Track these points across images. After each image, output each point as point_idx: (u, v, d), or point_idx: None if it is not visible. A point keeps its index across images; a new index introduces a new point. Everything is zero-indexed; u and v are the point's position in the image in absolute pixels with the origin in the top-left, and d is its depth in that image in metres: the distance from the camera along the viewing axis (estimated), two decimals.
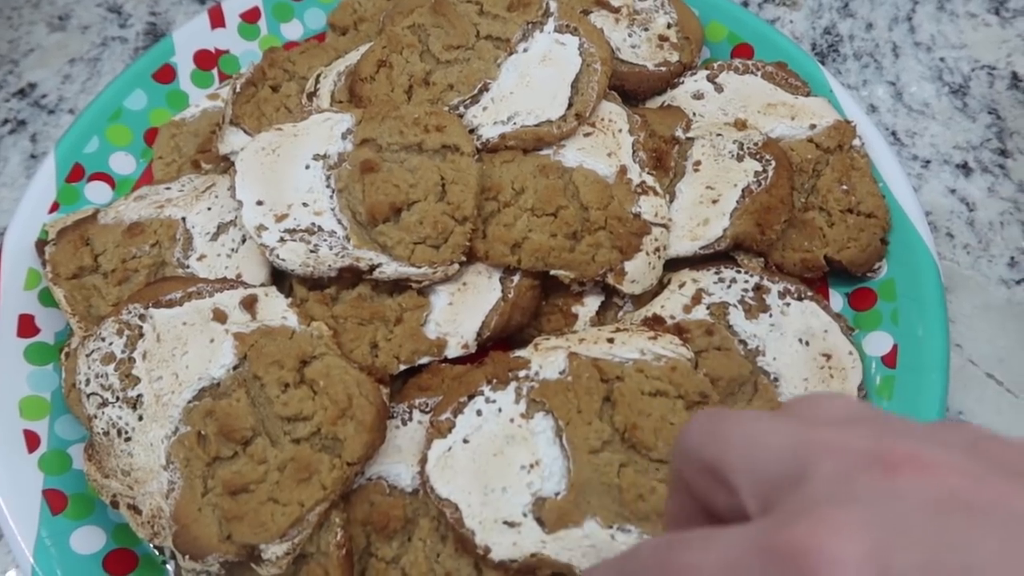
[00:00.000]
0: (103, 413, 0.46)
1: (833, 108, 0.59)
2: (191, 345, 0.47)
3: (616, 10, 0.62)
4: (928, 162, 0.62)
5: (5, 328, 0.52)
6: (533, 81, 0.56)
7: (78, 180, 0.58)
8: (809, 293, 0.53)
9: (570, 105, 0.55)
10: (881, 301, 0.54)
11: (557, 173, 0.53)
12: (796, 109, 0.58)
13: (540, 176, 0.52)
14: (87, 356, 0.48)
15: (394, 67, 0.58)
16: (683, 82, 0.61)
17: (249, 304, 0.48)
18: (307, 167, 0.53)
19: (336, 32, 0.66)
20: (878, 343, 0.52)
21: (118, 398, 0.47)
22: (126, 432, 0.46)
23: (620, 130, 0.55)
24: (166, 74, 0.63)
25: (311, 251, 0.50)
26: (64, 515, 0.47)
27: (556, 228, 0.51)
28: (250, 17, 0.66)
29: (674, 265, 0.53)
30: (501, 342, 0.52)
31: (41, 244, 0.54)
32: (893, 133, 0.64)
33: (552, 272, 0.51)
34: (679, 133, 0.57)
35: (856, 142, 0.57)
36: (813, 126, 0.58)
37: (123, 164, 0.61)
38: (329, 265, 0.49)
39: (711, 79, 0.60)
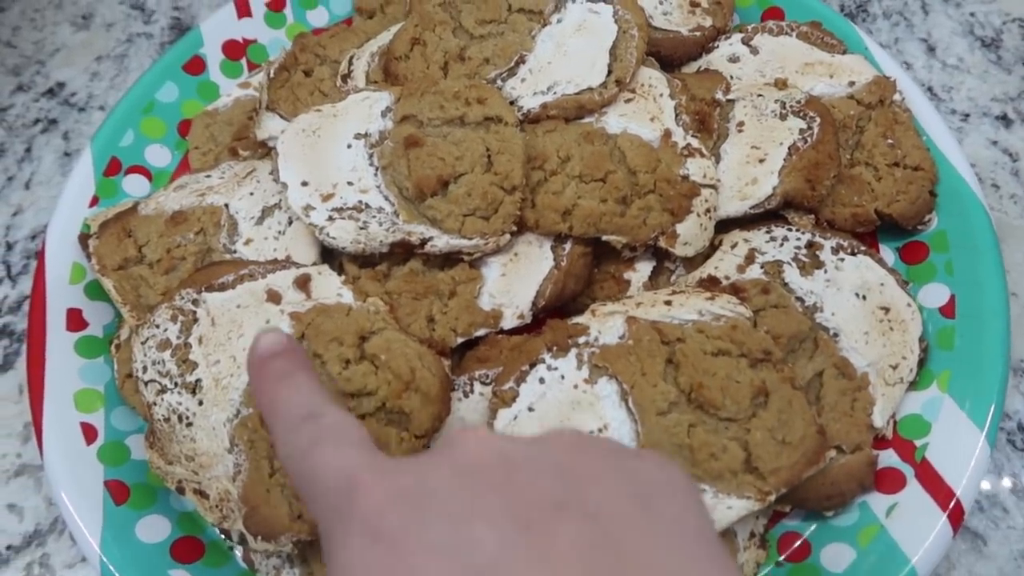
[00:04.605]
0: (162, 400, 0.46)
1: (870, 65, 0.58)
2: (247, 327, 0.47)
3: None
4: (967, 115, 0.62)
5: (55, 323, 0.51)
6: (570, 50, 0.55)
7: (115, 174, 0.58)
8: (862, 248, 0.52)
9: (610, 72, 0.54)
10: (934, 253, 0.53)
11: (602, 139, 0.52)
12: (834, 67, 0.58)
13: (585, 143, 0.52)
14: (142, 344, 0.47)
15: (428, 44, 0.57)
16: (718, 46, 0.60)
17: (303, 283, 0.48)
18: (349, 146, 0.53)
19: (363, 16, 0.66)
20: (934, 295, 0.52)
21: (176, 384, 0.46)
22: (187, 417, 0.45)
23: (661, 95, 0.55)
24: (196, 66, 0.63)
25: (361, 228, 0.49)
26: (127, 505, 0.46)
27: (606, 193, 0.50)
28: (276, 5, 0.66)
29: (723, 227, 0.53)
30: (555, 311, 0.51)
31: (84, 238, 0.54)
32: (929, 89, 0.63)
33: (604, 238, 0.50)
34: (719, 95, 0.56)
35: (896, 97, 0.57)
36: (852, 83, 0.57)
37: (159, 156, 0.60)
38: (380, 241, 0.49)
39: (746, 42, 0.60)
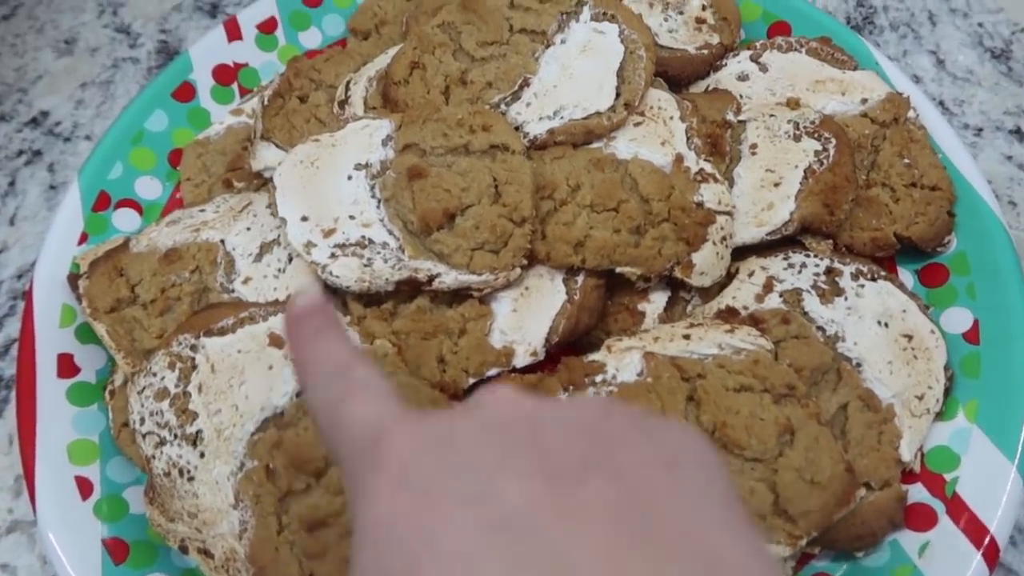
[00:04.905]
0: (162, 453, 0.44)
1: (883, 81, 0.57)
2: (249, 374, 0.45)
3: None
4: (980, 130, 0.61)
5: (45, 370, 0.49)
6: (576, 73, 0.54)
7: (105, 208, 0.56)
8: (882, 273, 0.51)
9: (618, 95, 0.52)
10: (954, 276, 0.52)
11: (612, 166, 0.51)
12: (845, 84, 0.57)
13: (595, 170, 0.50)
14: (139, 393, 0.45)
15: (427, 68, 0.55)
16: (726, 64, 0.59)
17: None
18: (349, 178, 0.51)
19: (358, 37, 0.64)
20: (957, 320, 0.50)
21: (176, 436, 0.44)
22: (188, 471, 0.43)
23: (671, 117, 0.53)
24: (185, 92, 0.61)
25: (365, 265, 0.47)
26: (128, 565, 0.44)
27: (619, 223, 0.48)
28: (267, 28, 0.64)
29: (738, 253, 0.51)
30: (569, 347, 0.49)
31: (74, 278, 0.51)
32: (940, 103, 0.62)
33: (618, 270, 0.49)
34: (730, 116, 0.54)
35: (911, 114, 0.55)
36: (865, 100, 0.56)
37: (149, 189, 0.58)
38: (386, 279, 0.47)
39: (755, 59, 0.58)
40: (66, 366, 0.50)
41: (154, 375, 0.45)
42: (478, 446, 0.24)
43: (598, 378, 0.45)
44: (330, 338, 0.31)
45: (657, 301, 0.50)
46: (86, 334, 0.51)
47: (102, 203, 0.56)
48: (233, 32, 0.63)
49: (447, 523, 0.22)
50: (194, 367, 0.45)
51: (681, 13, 0.60)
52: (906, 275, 0.53)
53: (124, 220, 0.56)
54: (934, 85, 0.63)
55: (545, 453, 0.24)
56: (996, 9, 0.66)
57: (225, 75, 0.62)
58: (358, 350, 0.31)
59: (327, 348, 0.30)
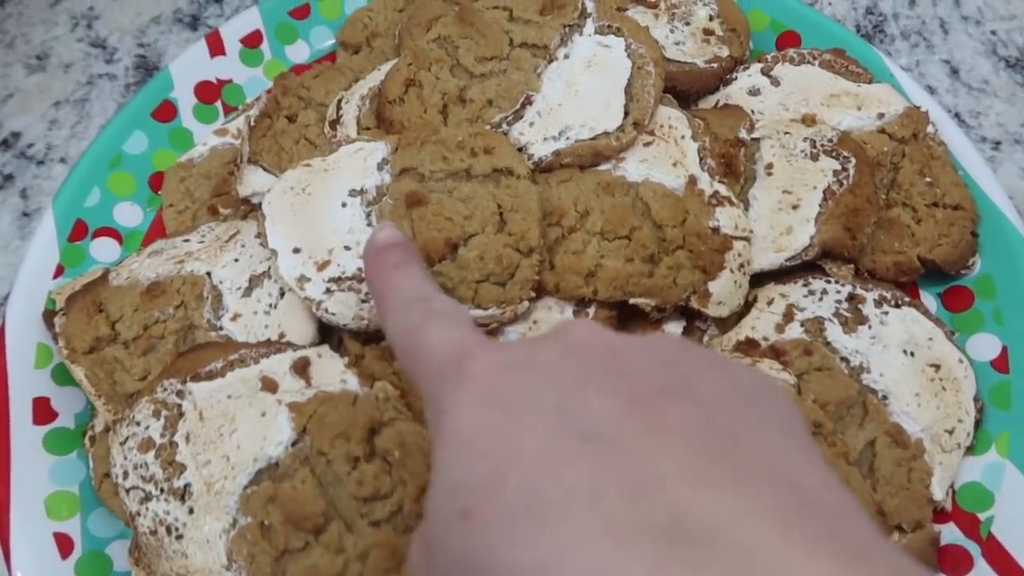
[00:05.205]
0: (147, 509, 0.41)
1: (899, 94, 0.55)
2: (240, 421, 0.42)
3: (654, 5, 0.58)
4: (998, 143, 0.59)
5: (20, 416, 0.46)
6: (581, 90, 0.51)
7: (82, 238, 0.52)
8: (907, 299, 0.48)
9: (626, 113, 0.50)
10: (979, 299, 0.50)
11: (623, 190, 0.48)
12: (861, 98, 0.54)
13: (604, 195, 0.47)
14: (121, 444, 0.42)
15: (424, 85, 0.52)
16: (736, 78, 0.56)
17: (301, 368, 0.43)
18: (344, 205, 0.48)
19: (348, 51, 0.61)
20: (984, 346, 0.48)
21: (163, 490, 0.41)
22: (177, 529, 0.40)
23: (683, 136, 0.50)
24: (166, 111, 0.57)
25: (363, 301, 0.44)
26: None
27: (631, 252, 0.46)
28: (251, 41, 0.60)
29: (756, 280, 0.49)
30: None
31: (49, 315, 0.48)
32: (956, 115, 0.60)
33: (631, 301, 0.46)
34: (743, 134, 0.52)
35: (930, 129, 0.53)
36: (882, 115, 0.53)
37: (129, 216, 0.54)
38: None
39: (766, 72, 0.56)
40: (42, 411, 0.47)
41: (137, 424, 0.42)
42: (561, 366, 0.25)
43: None
44: (410, 271, 0.32)
45: (672, 332, 0.48)
46: (63, 375, 0.47)
47: (79, 232, 0.52)
48: (216, 46, 0.59)
49: (532, 432, 0.22)
50: (181, 415, 0.42)
51: (688, 24, 0.57)
52: (928, 299, 0.51)
53: (103, 250, 0.53)
54: (949, 96, 0.61)
55: (626, 376, 0.24)
56: (1009, 16, 0.64)
57: (208, 92, 0.59)
58: (436, 285, 0.32)
59: (408, 279, 0.32)
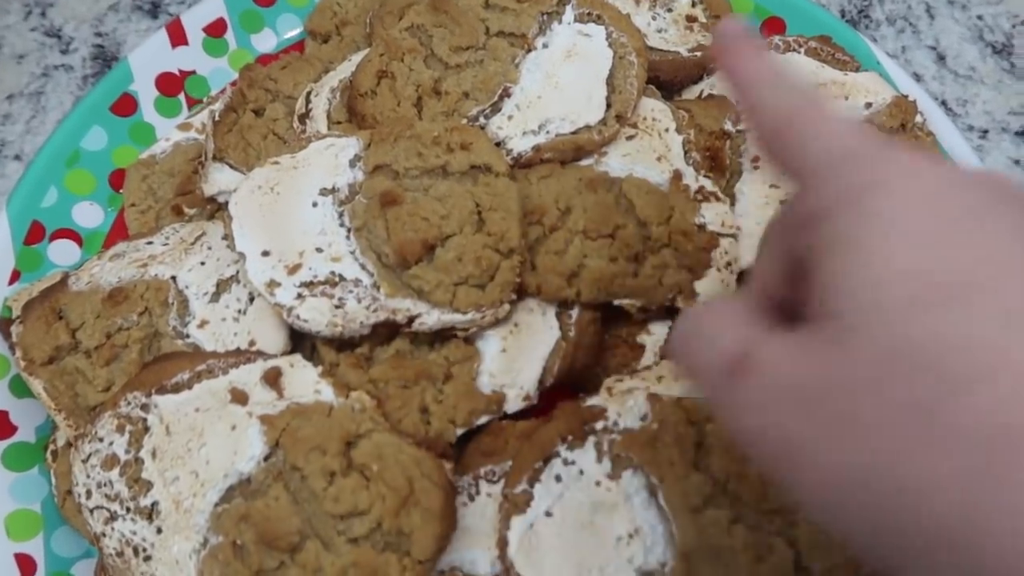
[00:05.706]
0: (113, 529, 0.39)
1: (886, 83, 0.53)
2: (209, 435, 0.40)
3: None
4: (986, 132, 0.58)
5: None
6: (561, 81, 0.49)
7: (39, 241, 0.50)
8: None
9: (608, 106, 0.48)
10: None
11: (605, 186, 0.46)
12: (848, 87, 0.53)
13: (587, 192, 0.46)
14: (83, 462, 0.40)
15: (397, 77, 0.50)
16: None
17: (273, 379, 0.41)
18: (314, 204, 0.46)
19: (317, 40, 0.58)
20: None
21: (129, 509, 0.39)
22: (144, 550, 0.38)
23: (667, 129, 0.49)
24: (126, 105, 0.54)
25: (337, 307, 0.42)
26: None
27: (615, 251, 0.44)
28: (215, 30, 0.58)
29: (742, 279, 0.47)
30: (563, 386, 0.45)
31: (5, 323, 0.46)
32: (943, 103, 0.59)
33: (616, 302, 0.44)
34: (729, 126, 0.50)
35: (918, 118, 0.52)
36: (869, 104, 0.52)
37: (89, 216, 0.52)
38: (361, 322, 0.42)
39: None
40: (1, 425, 0.44)
41: (100, 440, 0.40)
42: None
43: (598, 425, 0.41)
44: (776, 60, 0.29)
45: (657, 333, 0.46)
46: (21, 387, 0.45)
47: (35, 235, 0.50)
48: (177, 36, 0.57)
49: (979, 237, 0.22)
50: (146, 429, 0.40)
51: (670, 11, 0.55)
52: None
53: (61, 253, 0.50)
54: (936, 84, 0.59)
55: None
56: (995, 0, 0.63)
57: (170, 85, 0.56)
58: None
59: (776, 65, 0.28)
